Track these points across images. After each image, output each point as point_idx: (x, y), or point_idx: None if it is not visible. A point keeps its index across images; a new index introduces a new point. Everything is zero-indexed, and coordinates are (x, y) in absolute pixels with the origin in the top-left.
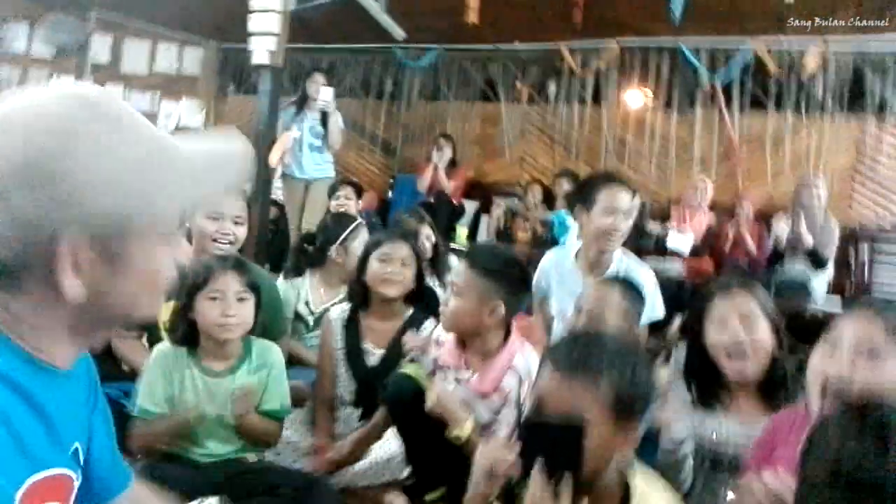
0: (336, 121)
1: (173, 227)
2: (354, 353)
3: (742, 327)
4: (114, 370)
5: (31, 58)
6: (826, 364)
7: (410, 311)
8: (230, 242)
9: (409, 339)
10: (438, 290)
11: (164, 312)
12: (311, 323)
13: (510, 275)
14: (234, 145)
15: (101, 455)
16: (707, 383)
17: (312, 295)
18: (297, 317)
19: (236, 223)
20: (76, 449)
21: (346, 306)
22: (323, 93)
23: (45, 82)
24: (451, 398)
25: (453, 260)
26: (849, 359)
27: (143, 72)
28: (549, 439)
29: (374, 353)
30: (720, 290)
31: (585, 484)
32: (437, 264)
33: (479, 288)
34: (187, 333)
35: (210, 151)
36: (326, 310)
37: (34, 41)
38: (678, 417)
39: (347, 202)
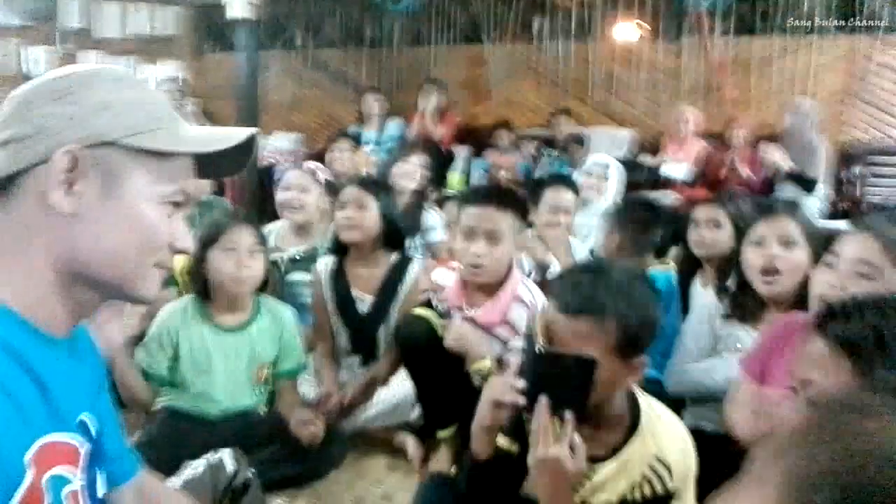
0: None
1: (172, 188)
2: (344, 302)
3: (780, 248)
4: None
5: (1, 27)
6: (827, 279)
7: (395, 255)
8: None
9: (423, 282)
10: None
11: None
12: (283, 268)
13: (514, 202)
14: (239, 131)
15: (110, 439)
16: (743, 298)
17: (282, 241)
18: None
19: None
20: (83, 420)
21: (332, 258)
22: None
23: (15, 51)
24: (470, 334)
25: (436, 213)
26: (848, 274)
27: (117, 36)
28: (554, 374)
29: (363, 301)
30: (763, 212)
31: (591, 413)
32: (423, 196)
33: (513, 228)
34: (201, 286)
35: (212, 128)
36: (298, 254)
37: (1, 10)
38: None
39: (343, 155)
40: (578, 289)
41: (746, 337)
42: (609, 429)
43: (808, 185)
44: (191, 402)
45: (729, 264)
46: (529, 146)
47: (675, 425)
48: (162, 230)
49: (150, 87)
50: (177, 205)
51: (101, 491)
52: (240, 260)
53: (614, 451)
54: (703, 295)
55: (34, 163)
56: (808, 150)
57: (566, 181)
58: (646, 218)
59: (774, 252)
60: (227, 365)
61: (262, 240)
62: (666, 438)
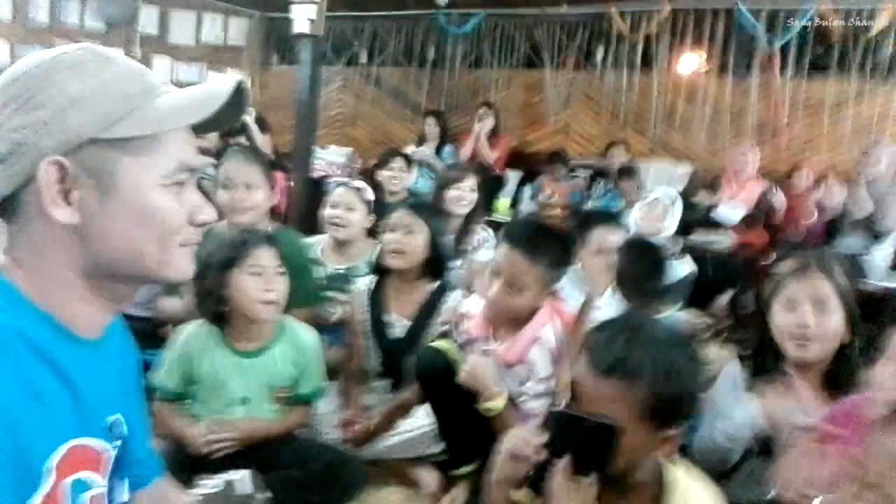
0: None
1: (170, 167)
2: (378, 324)
3: (813, 311)
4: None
5: (84, 31)
6: None
7: (436, 282)
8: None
9: (444, 314)
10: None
11: None
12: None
13: (554, 249)
14: (224, 83)
15: (138, 441)
16: (767, 365)
17: (324, 255)
18: None
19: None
20: (112, 422)
21: (372, 278)
22: None
23: None
24: (483, 371)
25: (492, 233)
26: None
27: (190, 43)
28: (575, 435)
29: (398, 325)
30: (795, 270)
31: (616, 479)
32: (472, 219)
33: (542, 277)
34: (216, 311)
35: (195, 88)
36: (340, 272)
37: (86, 15)
38: (741, 408)
39: (401, 174)
40: (611, 347)
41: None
42: (634, 496)
43: (878, 233)
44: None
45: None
46: (582, 175)
47: (707, 494)
48: (173, 212)
49: (108, 62)
50: (180, 182)
51: (124, 495)
52: (268, 282)
53: None
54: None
55: (24, 180)
56: (885, 196)
57: (615, 220)
58: (649, 263)
59: (807, 319)
60: (244, 390)
61: (283, 258)
62: (692, 488)
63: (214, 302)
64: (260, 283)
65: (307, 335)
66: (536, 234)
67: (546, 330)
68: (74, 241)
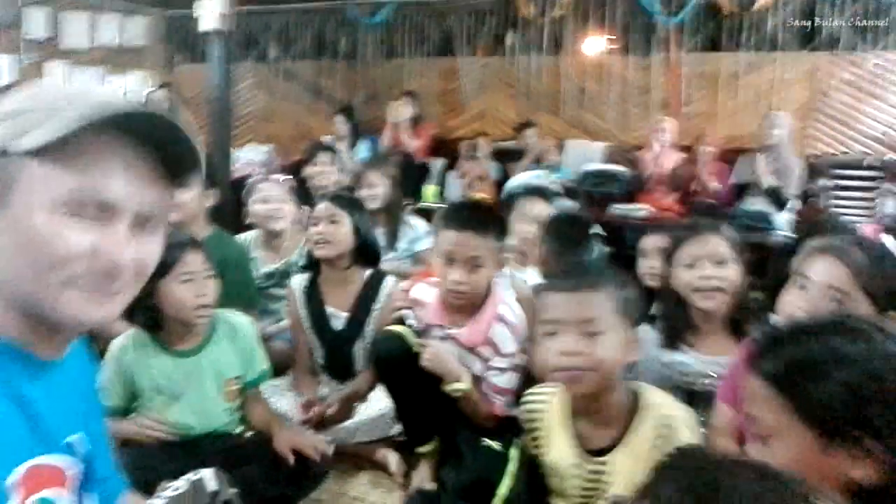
0: None
1: (63, 190)
2: (318, 319)
3: (712, 267)
4: None
5: None
6: (798, 302)
7: (369, 270)
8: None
9: (398, 298)
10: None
11: None
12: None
13: (495, 222)
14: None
15: (101, 459)
16: (676, 323)
17: (255, 252)
18: None
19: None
20: (72, 442)
21: (306, 274)
22: None
23: None
24: (446, 354)
25: (420, 221)
26: (818, 298)
27: (85, 46)
28: None
29: (338, 317)
30: (691, 233)
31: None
32: (391, 213)
33: (494, 251)
34: (151, 319)
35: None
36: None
37: None
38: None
39: (327, 168)
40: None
41: (690, 360)
42: (612, 419)
43: (780, 201)
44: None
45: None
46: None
47: (681, 413)
48: (55, 242)
49: (39, 87)
50: (81, 211)
51: None
52: (198, 288)
53: (620, 437)
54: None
55: None
56: (788, 165)
57: (540, 192)
58: (576, 233)
59: (708, 272)
60: (194, 389)
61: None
62: (666, 404)
63: (146, 311)
64: (192, 289)
65: (240, 320)
66: (477, 212)
67: (504, 307)
68: None
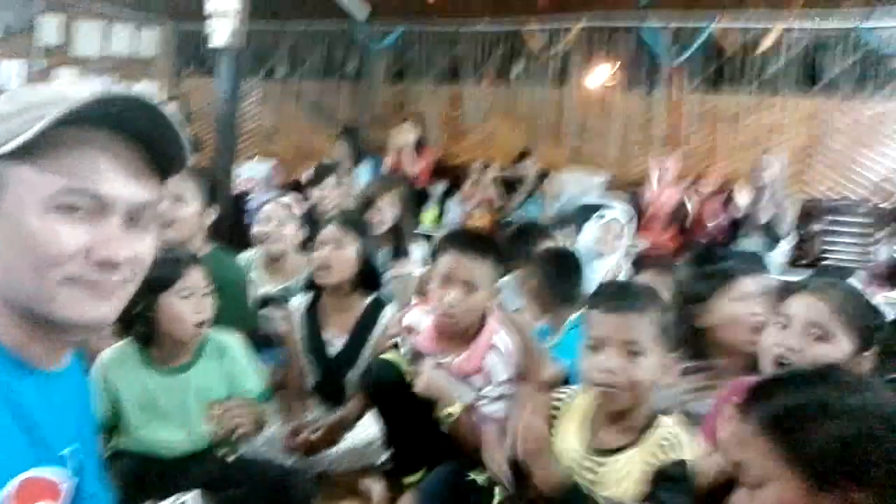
0: None
1: (53, 189)
2: (316, 342)
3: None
4: None
5: None
6: (780, 340)
7: (370, 296)
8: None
9: (392, 326)
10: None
11: None
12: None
13: (493, 248)
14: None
15: (92, 473)
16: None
17: (256, 272)
18: None
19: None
20: (69, 452)
21: (307, 296)
22: None
23: None
24: (440, 380)
25: (418, 246)
26: (800, 335)
27: (96, 54)
28: None
29: (336, 342)
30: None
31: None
32: (398, 238)
33: (490, 276)
34: (146, 332)
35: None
36: (276, 293)
37: None
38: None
39: (332, 192)
40: None
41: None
42: (629, 428)
43: (775, 237)
44: (145, 447)
45: None
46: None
47: (688, 438)
48: (50, 242)
49: (28, 92)
50: (72, 208)
51: None
52: (198, 304)
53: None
54: None
55: None
56: (781, 206)
57: (547, 232)
58: (567, 266)
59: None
60: (176, 408)
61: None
62: (677, 425)
63: (142, 325)
64: (191, 305)
65: (229, 339)
66: (476, 237)
67: (499, 336)
68: None
